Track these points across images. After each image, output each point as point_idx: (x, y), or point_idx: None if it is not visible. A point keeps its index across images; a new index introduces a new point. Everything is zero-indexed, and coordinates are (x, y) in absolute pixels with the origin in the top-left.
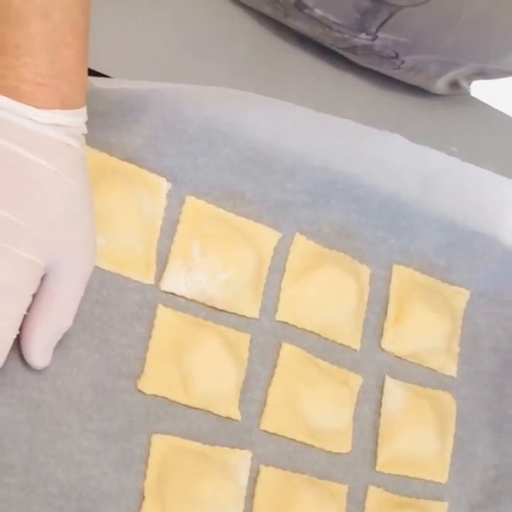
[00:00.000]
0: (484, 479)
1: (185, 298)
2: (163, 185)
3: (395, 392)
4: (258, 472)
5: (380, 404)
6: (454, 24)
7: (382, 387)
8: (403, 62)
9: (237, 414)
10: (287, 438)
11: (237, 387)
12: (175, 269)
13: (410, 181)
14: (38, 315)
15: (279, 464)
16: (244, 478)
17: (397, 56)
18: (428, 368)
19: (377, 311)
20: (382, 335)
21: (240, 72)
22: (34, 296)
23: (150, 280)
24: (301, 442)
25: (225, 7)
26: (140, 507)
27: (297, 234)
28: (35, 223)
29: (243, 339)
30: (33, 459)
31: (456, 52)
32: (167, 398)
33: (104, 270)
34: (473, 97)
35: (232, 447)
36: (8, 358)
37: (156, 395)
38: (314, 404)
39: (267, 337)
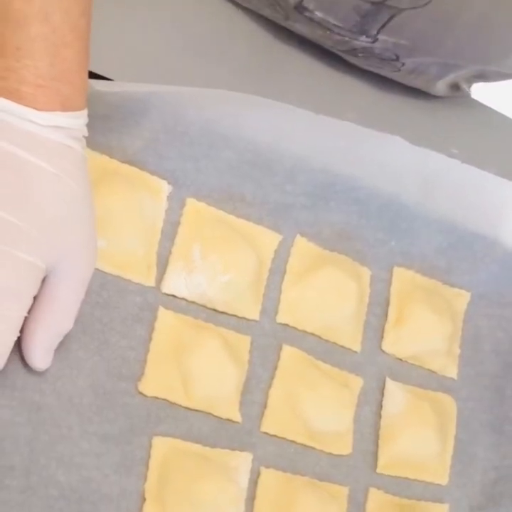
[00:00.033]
0: (485, 481)
1: (185, 300)
2: (164, 187)
3: (396, 394)
4: (259, 474)
5: (381, 406)
6: (454, 26)
7: (383, 389)
8: (403, 64)
9: (237, 416)
10: (288, 440)
11: (237, 389)
12: (175, 272)
13: (410, 183)
14: (39, 317)
15: (279, 466)
16: (244, 481)
17: (397, 58)
18: (429, 369)
19: (377, 313)
20: (382, 337)
21: (240, 74)
22: (35, 298)
23: (151, 282)
24: (302, 444)
25: (225, 10)
26: (141, 509)
27: (298, 236)
28: (36, 225)
29: (244, 341)
30: (34, 461)
31: (457, 54)
32: (168, 400)
33: (104, 272)
34: (473, 99)
35: (233, 449)
36: (9, 360)
37: (156, 397)
38: (315, 406)
39: (267, 339)
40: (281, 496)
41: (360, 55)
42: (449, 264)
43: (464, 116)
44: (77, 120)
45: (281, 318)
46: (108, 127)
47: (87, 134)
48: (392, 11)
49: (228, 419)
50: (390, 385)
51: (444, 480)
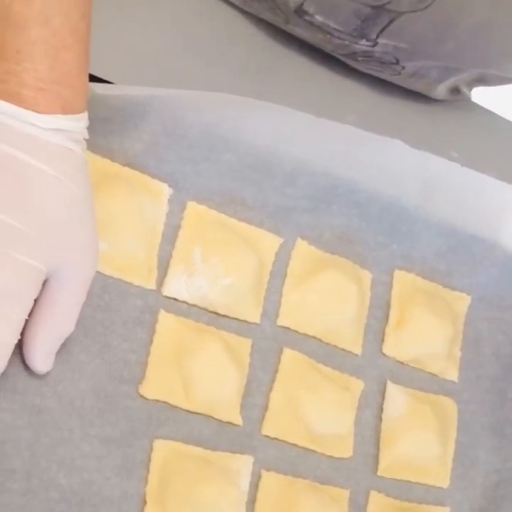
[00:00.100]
0: (486, 484)
1: (186, 303)
2: (165, 190)
3: (397, 397)
4: (259, 477)
5: (382, 410)
6: (455, 30)
7: (384, 392)
8: (404, 68)
9: (238, 419)
10: (289, 443)
11: (238, 392)
12: (176, 275)
13: (411, 186)
14: (40, 320)
15: (280, 469)
16: (245, 484)
17: (397, 62)
18: (429, 373)
19: (378, 316)
20: (383, 340)
21: (240, 77)
22: (36, 301)
23: (152, 285)
24: (303, 447)
25: (225, 13)
26: None
27: (298, 239)
28: (36, 228)
29: (244, 344)
30: (35, 464)
31: (457, 57)
32: (169, 403)
33: (105, 275)
34: (473, 103)
35: (234, 452)
36: (10, 363)
37: (157, 400)
38: (316, 410)
39: (268, 342)
40: (282, 499)
41: (360, 58)
42: (449, 268)
43: (464, 119)
44: (78, 123)
45: (282, 321)
46: (109, 130)
47: (87, 137)
48: (392, 15)
49: (229, 422)
50: (391, 388)
51: (445, 483)
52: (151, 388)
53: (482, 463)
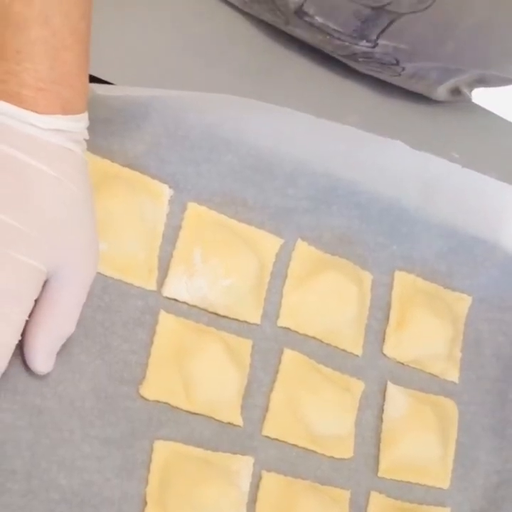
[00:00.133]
0: (486, 485)
1: (187, 304)
2: (165, 191)
3: (397, 398)
4: (260, 478)
5: (382, 410)
6: (455, 31)
7: (384, 393)
8: (404, 69)
9: (239, 420)
10: (289, 444)
11: (239, 393)
12: (177, 275)
13: (411, 188)
14: (41, 321)
15: (281, 469)
16: (246, 484)
17: (397, 63)
18: (430, 373)
19: (379, 317)
20: (384, 341)
21: (241, 78)
22: (36, 301)
23: (152, 286)
24: (303, 448)
25: (225, 15)
26: None
27: (299, 240)
28: (36, 228)
29: (245, 345)
30: (35, 465)
31: (457, 58)
32: (169, 404)
33: (106, 276)
34: (474, 104)
35: (234, 453)
36: (10, 364)
37: (158, 401)
38: (316, 410)
39: (268, 343)
40: (283, 499)
41: (360, 59)
42: (450, 269)
43: (465, 120)
44: (78, 123)
45: (282, 322)
46: (109, 131)
47: (87, 137)
48: (392, 16)
49: (230, 423)
50: (392, 388)
51: (445, 484)
52: (152, 389)
53: (483, 464)
